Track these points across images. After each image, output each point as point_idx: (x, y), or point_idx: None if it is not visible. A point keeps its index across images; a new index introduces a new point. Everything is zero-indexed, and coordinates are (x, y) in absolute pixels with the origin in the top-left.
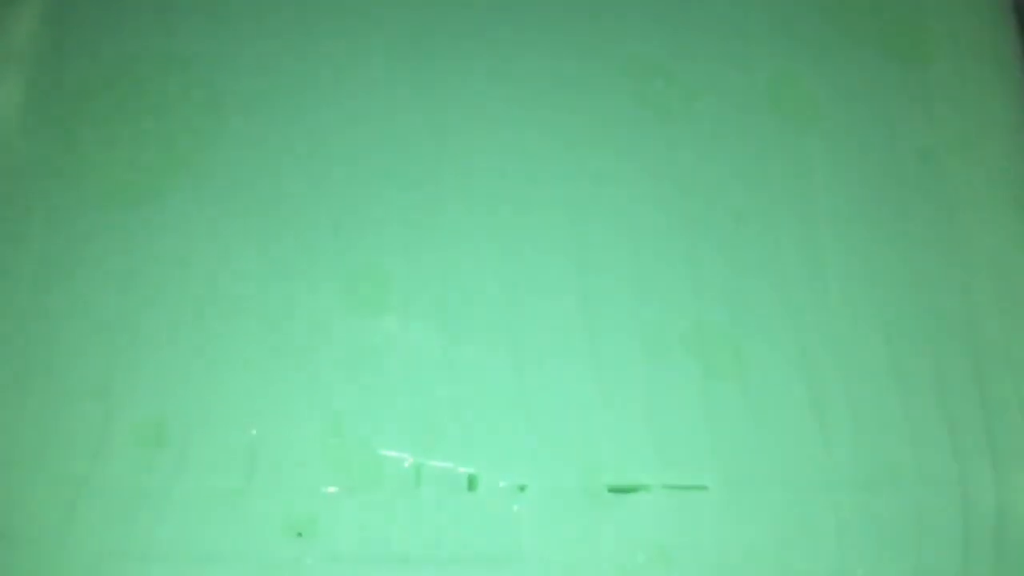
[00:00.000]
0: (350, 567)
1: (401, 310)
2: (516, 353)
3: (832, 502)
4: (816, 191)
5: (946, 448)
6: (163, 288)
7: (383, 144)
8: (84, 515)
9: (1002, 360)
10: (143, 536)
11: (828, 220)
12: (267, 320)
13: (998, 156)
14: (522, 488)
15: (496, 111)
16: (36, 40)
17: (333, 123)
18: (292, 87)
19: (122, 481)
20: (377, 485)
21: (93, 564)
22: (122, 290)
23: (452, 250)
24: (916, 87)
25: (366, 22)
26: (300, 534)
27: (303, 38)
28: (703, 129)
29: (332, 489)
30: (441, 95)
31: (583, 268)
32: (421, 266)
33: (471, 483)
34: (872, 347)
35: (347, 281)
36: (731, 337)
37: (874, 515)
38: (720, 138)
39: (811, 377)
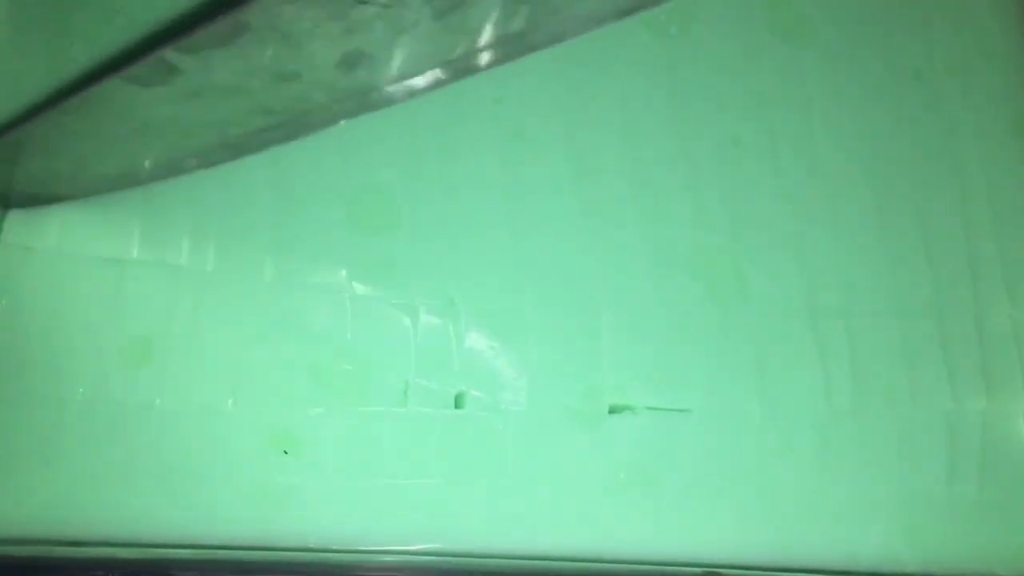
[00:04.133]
0: (336, 483)
1: (397, 230)
2: (510, 279)
3: (816, 424)
4: (813, 110)
5: (940, 373)
6: (153, 210)
7: None
8: (69, 436)
9: (999, 286)
10: (127, 455)
11: (826, 138)
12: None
13: (995, 80)
14: (508, 407)
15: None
16: None
17: None
18: None
19: (107, 400)
20: (364, 403)
21: (77, 484)
22: (113, 218)
23: (456, 179)
24: (913, 8)
25: None
26: (286, 452)
27: None
28: (701, 51)
29: (318, 408)
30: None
31: (583, 195)
32: (422, 186)
33: (458, 401)
34: (872, 273)
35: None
36: (732, 260)
37: (858, 436)
38: (717, 60)
39: (811, 302)
